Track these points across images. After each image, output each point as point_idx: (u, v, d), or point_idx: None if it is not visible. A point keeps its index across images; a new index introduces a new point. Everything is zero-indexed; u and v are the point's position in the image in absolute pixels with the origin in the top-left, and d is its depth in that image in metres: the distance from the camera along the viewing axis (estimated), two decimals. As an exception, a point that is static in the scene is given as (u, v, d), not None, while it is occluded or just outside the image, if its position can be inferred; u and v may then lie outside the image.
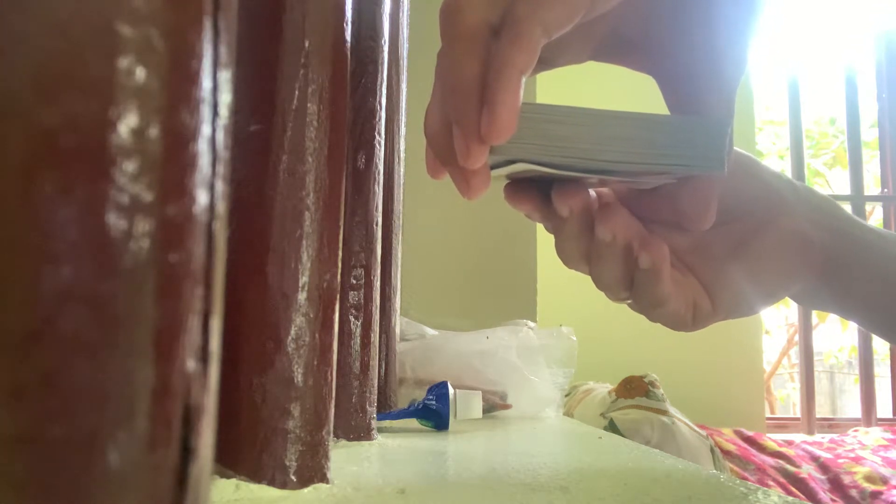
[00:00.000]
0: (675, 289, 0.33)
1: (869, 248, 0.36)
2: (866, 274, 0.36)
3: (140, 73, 0.12)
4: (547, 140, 0.27)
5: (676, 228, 0.34)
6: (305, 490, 0.27)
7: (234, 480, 0.26)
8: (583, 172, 0.30)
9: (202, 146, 0.13)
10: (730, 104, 0.31)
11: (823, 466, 1.40)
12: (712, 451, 1.14)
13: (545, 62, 0.31)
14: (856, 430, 1.79)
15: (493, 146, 0.26)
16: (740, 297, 0.36)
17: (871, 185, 2.41)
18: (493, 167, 0.30)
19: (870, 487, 1.30)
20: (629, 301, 0.34)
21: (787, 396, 3.76)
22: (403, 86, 0.67)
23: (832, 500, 1.28)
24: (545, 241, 0.36)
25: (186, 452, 0.12)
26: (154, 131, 0.12)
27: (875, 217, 2.95)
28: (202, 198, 0.12)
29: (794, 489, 1.28)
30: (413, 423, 0.55)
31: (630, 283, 0.33)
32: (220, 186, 0.13)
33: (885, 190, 2.23)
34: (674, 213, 0.32)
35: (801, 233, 0.36)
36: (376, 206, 0.46)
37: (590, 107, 0.28)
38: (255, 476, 0.26)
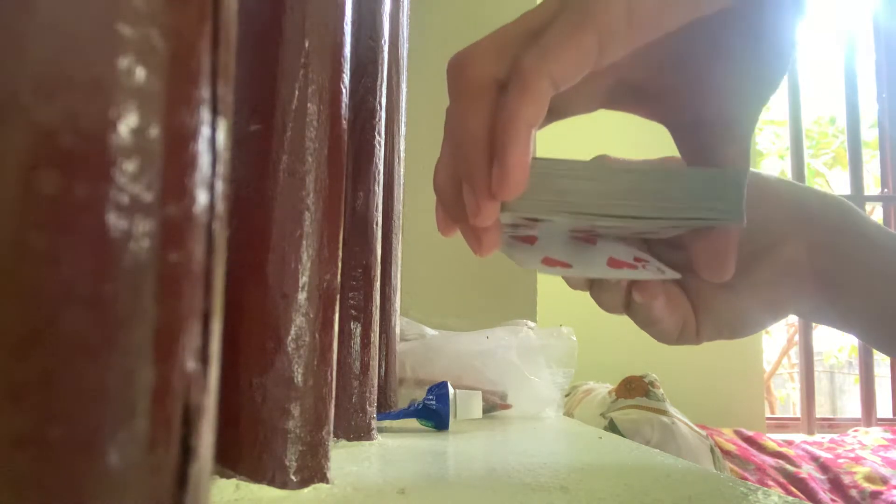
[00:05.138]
0: (668, 310, 0.35)
1: (871, 268, 0.35)
2: (865, 294, 0.35)
3: (140, 73, 0.11)
4: (559, 196, 0.27)
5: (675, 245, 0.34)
6: (305, 490, 0.27)
7: (234, 480, 0.26)
8: (591, 228, 0.30)
9: (202, 146, 0.13)
10: (745, 154, 0.30)
11: (823, 466, 1.40)
12: (712, 451, 1.14)
13: (555, 113, 0.31)
14: (856, 430, 1.79)
15: (505, 204, 0.26)
16: (723, 326, 0.36)
17: (871, 185, 2.41)
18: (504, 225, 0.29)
19: (870, 487, 1.30)
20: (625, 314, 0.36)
21: (787, 396, 3.76)
22: (403, 86, 0.67)
23: (832, 500, 1.28)
24: (545, 240, 0.36)
25: (186, 452, 0.12)
26: (154, 131, 0.12)
27: (875, 217, 2.95)
28: (202, 198, 0.12)
29: (794, 489, 1.28)
30: (413, 423, 0.55)
31: (627, 306, 0.35)
32: (220, 186, 0.13)
33: (885, 190, 2.23)
34: (690, 264, 0.32)
35: (797, 264, 0.35)
36: (376, 206, 0.46)
37: (601, 158, 0.28)
38: (255, 476, 0.26)
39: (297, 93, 0.29)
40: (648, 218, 0.28)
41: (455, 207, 0.28)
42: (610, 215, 0.27)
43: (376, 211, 0.46)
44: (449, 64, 0.27)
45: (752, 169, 0.34)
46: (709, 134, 0.30)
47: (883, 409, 2.12)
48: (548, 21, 0.25)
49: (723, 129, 0.30)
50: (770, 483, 1.28)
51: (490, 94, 0.26)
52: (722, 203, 0.28)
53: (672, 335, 0.36)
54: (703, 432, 1.18)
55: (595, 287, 0.35)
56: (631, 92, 0.31)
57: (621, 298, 0.35)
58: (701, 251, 0.31)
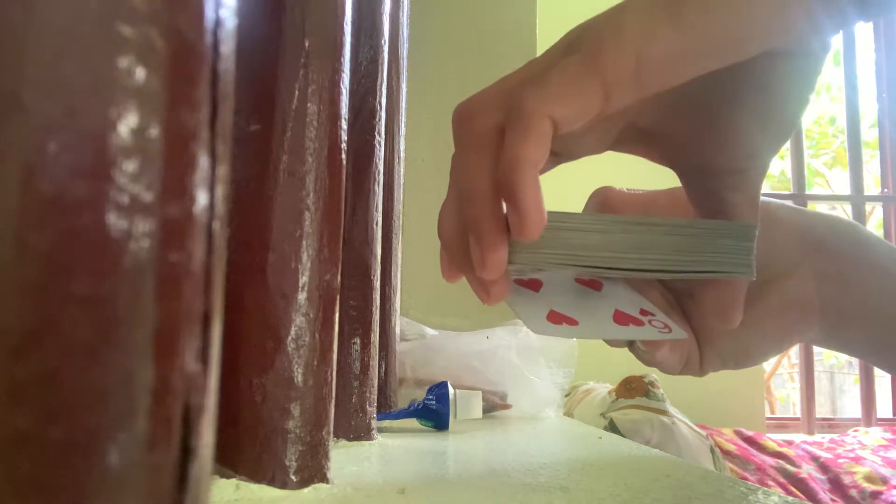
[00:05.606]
0: (670, 353, 0.34)
1: (881, 297, 0.34)
2: (874, 322, 0.35)
3: (140, 73, 0.12)
4: (568, 249, 0.26)
5: None
6: (305, 490, 0.27)
7: (234, 480, 0.26)
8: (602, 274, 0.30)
9: (202, 146, 0.13)
10: (754, 203, 0.30)
11: (823, 466, 1.40)
12: (712, 451, 1.14)
13: (562, 155, 0.30)
14: (856, 430, 1.79)
15: (513, 256, 0.25)
16: (727, 357, 0.35)
17: (871, 185, 2.41)
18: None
19: (870, 487, 1.30)
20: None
21: (787, 396, 3.76)
22: (403, 86, 0.67)
23: (832, 500, 1.28)
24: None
25: (186, 452, 0.12)
26: (154, 131, 0.12)
27: (875, 217, 2.95)
28: (202, 198, 0.12)
29: (794, 489, 1.28)
30: (413, 423, 0.55)
31: (630, 345, 0.35)
32: (220, 186, 0.13)
33: (885, 190, 2.23)
34: (697, 310, 0.32)
35: (804, 295, 0.34)
36: (376, 206, 0.46)
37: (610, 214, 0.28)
38: (255, 476, 0.26)
39: (297, 93, 0.29)
40: (657, 270, 0.28)
41: (461, 257, 0.27)
42: (619, 268, 0.27)
43: (376, 211, 0.46)
44: (454, 113, 0.27)
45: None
46: (718, 182, 0.30)
47: (883, 409, 2.12)
48: (552, 67, 0.25)
49: (732, 177, 0.30)
50: (770, 483, 1.28)
51: (494, 144, 0.25)
52: (732, 257, 0.28)
53: (675, 370, 0.35)
54: (703, 432, 1.18)
55: None
56: (640, 136, 0.31)
57: (625, 341, 0.35)
58: (708, 299, 0.31)
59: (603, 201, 0.35)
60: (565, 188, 0.77)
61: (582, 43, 0.25)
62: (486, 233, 0.25)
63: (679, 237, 0.28)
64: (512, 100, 0.25)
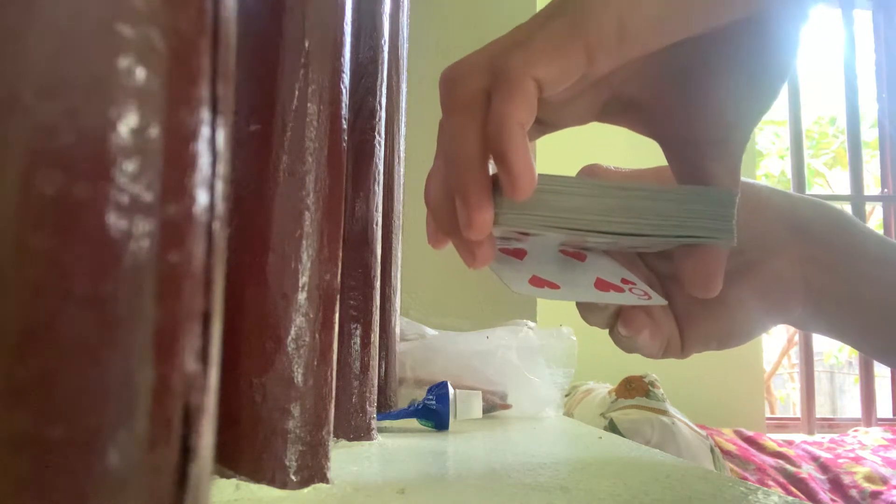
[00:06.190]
0: (651, 338, 0.34)
1: (865, 281, 0.34)
2: (859, 306, 0.35)
3: (140, 73, 0.11)
4: (552, 211, 0.27)
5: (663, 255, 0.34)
6: (305, 490, 0.27)
7: (234, 480, 0.26)
8: (583, 242, 0.30)
9: (202, 146, 0.13)
10: (735, 172, 0.30)
11: (823, 466, 1.40)
12: (712, 451, 1.14)
13: (548, 124, 0.31)
14: (856, 430, 1.79)
15: (498, 217, 0.26)
16: (710, 338, 0.35)
17: (872, 185, 2.41)
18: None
19: (870, 487, 1.30)
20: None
21: (787, 396, 3.76)
22: (403, 86, 0.67)
23: (832, 500, 1.28)
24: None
25: (186, 452, 0.12)
26: (154, 131, 0.12)
27: (875, 217, 2.95)
28: (202, 198, 0.12)
29: (794, 489, 1.28)
30: (413, 423, 0.55)
31: (612, 329, 0.35)
32: (220, 186, 0.13)
33: (885, 190, 2.23)
34: (677, 278, 0.32)
35: (788, 276, 0.35)
36: (376, 206, 0.46)
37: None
38: (255, 476, 0.26)
39: (297, 93, 0.29)
40: (640, 235, 0.28)
41: (448, 221, 0.28)
42: (602, 231, 0.27)
43: (376, 211, 0.46)
44: (440, 78, 0.27)
45: (745, 179, 0.33)
46: (699, 152, 0.30)
47: (883, 409, 2.12)
48: (537, 30, 0.25)
49: (713, 147, 0.30)
50: (770, 483, 1.28)
51: (480, 108, 0.25)
52: (713, 223, 0.29)
53: (656, 355, 0.36)
54: (703, 432, 1.18)
55: (582, 305, 0.35)
56: (624, 106, 0.31)
57: (606, 320, 0.35)
58: (689, 268, 0.31)
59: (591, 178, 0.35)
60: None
61: (567, 7, 0.25)
62: (473, 194, 0.25)
63: (661, 202, 0.28)
64: (497, 62, 0.25)
